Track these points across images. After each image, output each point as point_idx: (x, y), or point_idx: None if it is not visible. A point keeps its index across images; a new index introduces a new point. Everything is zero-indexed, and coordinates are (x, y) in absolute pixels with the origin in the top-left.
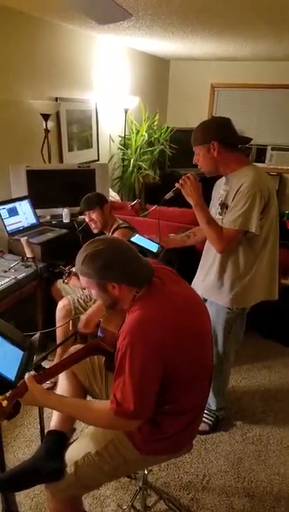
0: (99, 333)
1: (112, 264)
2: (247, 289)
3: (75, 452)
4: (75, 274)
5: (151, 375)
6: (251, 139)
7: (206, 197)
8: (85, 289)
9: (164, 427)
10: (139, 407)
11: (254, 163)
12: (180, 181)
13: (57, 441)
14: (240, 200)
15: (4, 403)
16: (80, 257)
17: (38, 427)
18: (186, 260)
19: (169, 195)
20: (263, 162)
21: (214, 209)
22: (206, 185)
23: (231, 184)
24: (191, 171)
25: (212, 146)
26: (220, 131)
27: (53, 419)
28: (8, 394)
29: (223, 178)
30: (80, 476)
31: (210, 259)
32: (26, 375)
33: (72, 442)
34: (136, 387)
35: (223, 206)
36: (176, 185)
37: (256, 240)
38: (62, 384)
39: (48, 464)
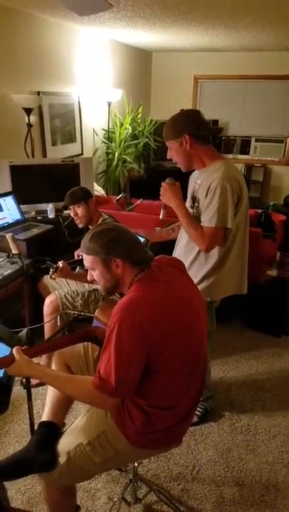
0: (93, 324)
1: (118, 240)
2: (216, 282)
3: (67, 442)
4: (61, 270)
5: (135, 355)
6: (222, 129)
7: (185, 192)
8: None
9: (156, 420)
10: (120, 385)
11: (224, 156)
12: (160, 193)
13: (49, 432)
14: (213, 197)
15: None
16: (86, 237)
17: (28, 422)
18: (171, 253)
19: (162, 214)
20: (248, 154)
21: (187, 203)
22: (184, 179)
23: (202, 179)
24: (167, 178)
25: (184, 139)
26: (190, 124)
27: (45, 411)
28: None
29: (197, 171)
30: (72, 467)
31: (181, 253)
32: (14, 349)
33: (64, 432)
34: (118, 365)
35: (195, 200)
36: (161, 199)
37: (227, 234)
38: None
39: (40, 454)
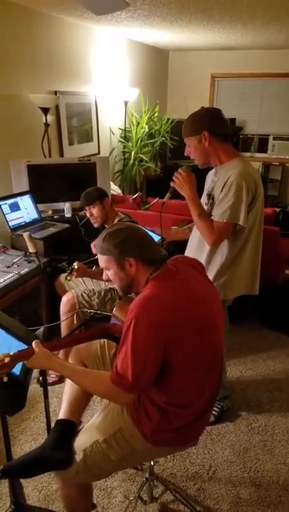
0: (111, 321)
1: (131, 240)
2: (229, 282)
3: (83, 440)
4: (77, 271)
5: (152, 351)
6: (241, 128)
7: (200, 188)
8: (103, 275)
9: (173, 418)
10: (136, 380)
11: (241, 155)
12: (173, 178)
13: (65, 430)
14: (228, 193)
15: (6, 359)
16: (100, 237)
17: (45, 420)
18: None
19: (166, 198)
20: (265, 152)
21: (202, 199)
22: (200, 176)
23: (219, 176)
24: (184, 165)
25: (203, 136)
26: (210, 122)
27: (62, 409)
28: (12, 352)
29: (213, 170)
30: (88, 464)
31: (194, 251)
32: (34, 342)
33: (80, 430)
34: (135, 361)
35: (210, 197)
36: (171, 183)
37: (240, 233)
38: (70, 381)
39: (57, 452)
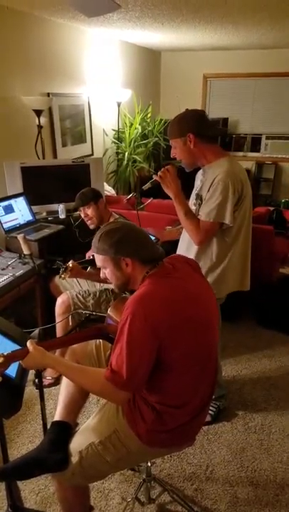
0: (106, 321)
1: (126, 240)
2: (219, 279)
3: (79, 442)
4: (71, 270)
5: (146, 348)
6: (227, 130)
7: (186, 189)
8: (102, 273)
9: (167, 419)
10: (131, 377)
11: (230, 154)
12: (159, 173)
13: (61, 432)
14: (214, 192)
15: (0, 359)
16: (96, 237)
17: (41, 422)
18: None
19: (146, 186)
20: (258, 151)
21: (191, 199)
22: (185, 177)
23: (207, 175)
24: (172, 163)
25: (188, 138)
26: (195, 123)
27: (58, 410)
28: (6, 353)
29: (201, 170)
30: (84, 466)
31: (184, 250)
32: (28, 342)
33: (76, 432)
34: (130, 357)
35: (198, 197)
36: (154, 177)
37: (229, 232)
38: (65, 382)
39: (53, 454)
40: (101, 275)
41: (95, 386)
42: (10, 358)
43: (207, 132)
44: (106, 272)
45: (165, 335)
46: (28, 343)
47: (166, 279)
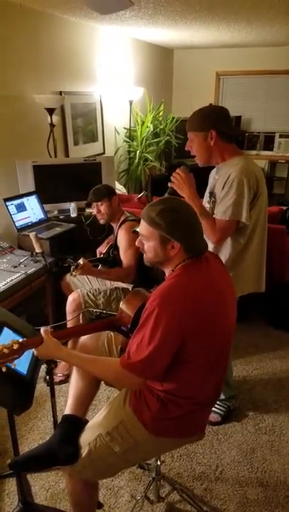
0: (118, 314)
1: (184, 224)
2: (234, 279)
3: (88, 435)
4: (82, 267)
5: (169, 342)
6: (245, 132)
7: (200, 188)
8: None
9: (171, 406)
10: (148, 366)
11: (244, 153)
12: (171, 178)
13: (71, 425)
14: (230, 190)
15: (15, 346)
16: (152, 208)
17: (52, 419)
18: None
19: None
20: (271, 150)
21: (205, 198)
22: (199, 175)
23: (221, 173)
24: (186, 164)
25: (210, 134)
26: (219, 121)
27: (68, 404)
28: (21, 340)
29: (215, 168)
30: (93, 458)
31: None
32: (42, 329)
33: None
34: (152, 347)
35: (212, 195)
36: (169, 184)
37: (244, 230)
38: (75, 376)
39: (63, 447)
40: (136, 242)
41: (109, 373)
42: (25, 345)
43: (229, 131)
44: (146, 244)
45: (190, 327)
46: (43, 332)
47: (198, 273)
